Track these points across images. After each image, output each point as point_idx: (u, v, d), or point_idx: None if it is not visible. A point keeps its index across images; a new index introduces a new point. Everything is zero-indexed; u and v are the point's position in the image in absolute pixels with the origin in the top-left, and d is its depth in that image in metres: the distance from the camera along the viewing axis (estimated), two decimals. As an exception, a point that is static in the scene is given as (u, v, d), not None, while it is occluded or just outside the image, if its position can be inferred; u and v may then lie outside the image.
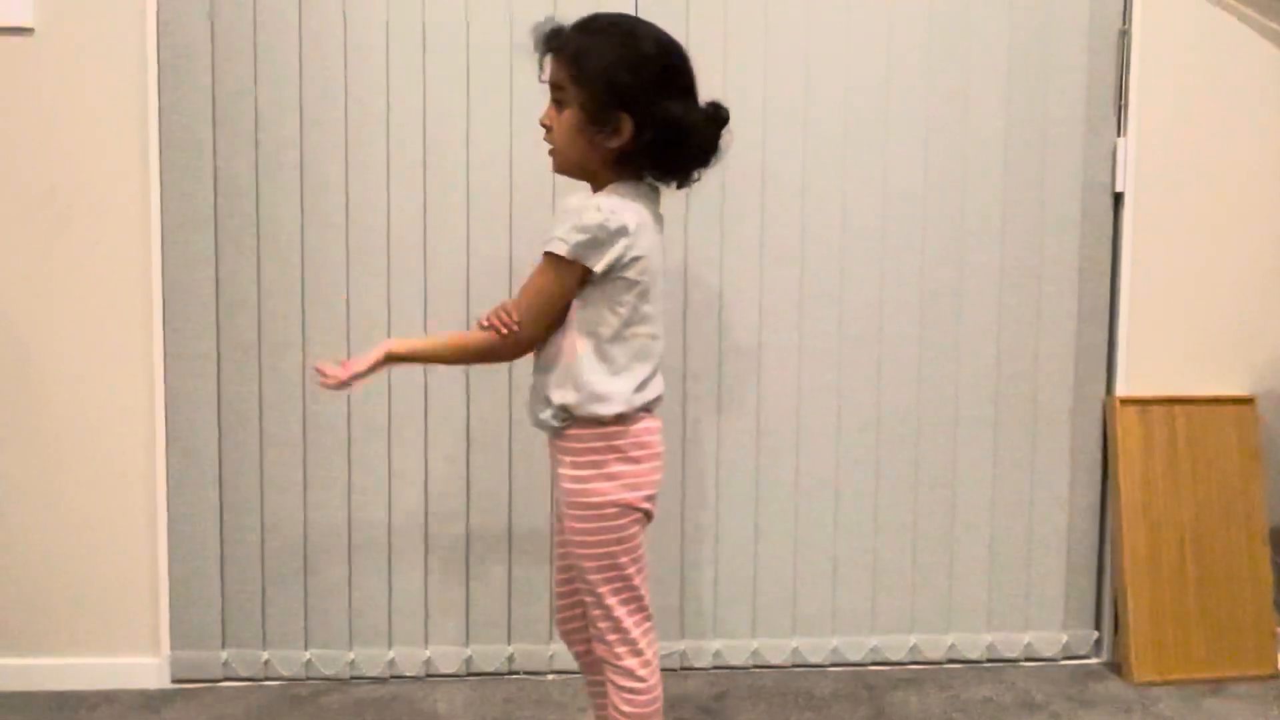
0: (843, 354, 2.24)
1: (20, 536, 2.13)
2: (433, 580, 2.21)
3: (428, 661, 2.21)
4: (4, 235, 2.09)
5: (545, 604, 2.21)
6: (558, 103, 1.48)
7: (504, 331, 1.47)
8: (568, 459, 1.50)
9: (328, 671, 2.19)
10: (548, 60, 1.49)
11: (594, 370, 1.45)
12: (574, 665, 2.16)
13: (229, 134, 2.10)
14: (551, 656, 2.22)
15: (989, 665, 2.30)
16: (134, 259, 2.10)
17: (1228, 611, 2.26)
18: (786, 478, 2.25)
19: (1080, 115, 2.24)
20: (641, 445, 1.50)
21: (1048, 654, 2.31)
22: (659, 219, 1.53)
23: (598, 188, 1.51)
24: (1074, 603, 2.33)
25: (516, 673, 2.23)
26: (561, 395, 1.47)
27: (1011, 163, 2.24)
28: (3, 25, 2.05)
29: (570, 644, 1.69)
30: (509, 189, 2.14)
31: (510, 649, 2.22)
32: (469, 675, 2.22)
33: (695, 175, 1.54)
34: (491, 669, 2.22)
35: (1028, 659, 2.32)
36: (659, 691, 1.53)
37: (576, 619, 1.63)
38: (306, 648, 2.19)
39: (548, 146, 1.53)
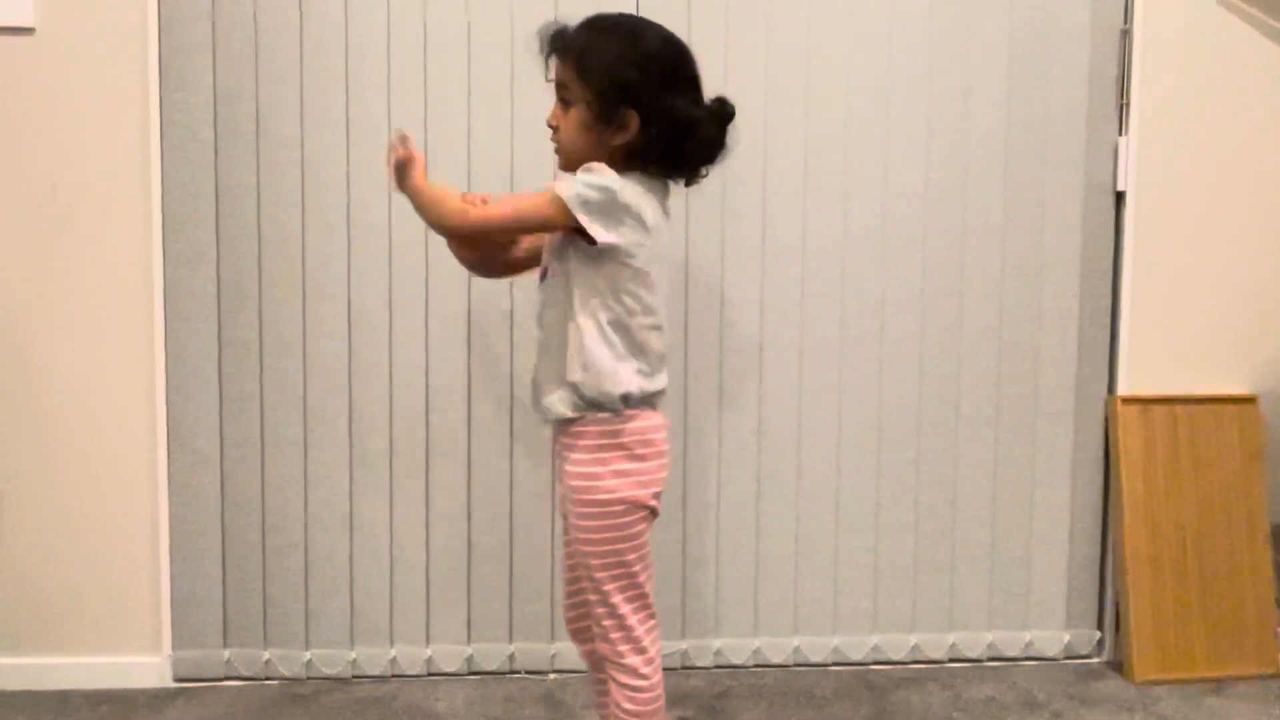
0: (844, 353, 2.24)
1: (22, 536, 2.13)
2: (434, 579, 2.21)
3: (429, 660, 2.21)
4: (5, 234, 2.09)
5: (546, 603, 2.22)
6: (564, 102, 1.49)
7: (470, 206, 1.48)
8: (574, 454, 1.50)
9: (329, 670, 2.19)
10: (552, 61, 1.50)
11: (599, 350, 1.46)
12: (576, 664, 2.18)
13: (230, 133, 2.10)
14: (553, 656, 2.22)
15: (990, 664, 2.30)
16: (135, 258, 2.11)
17: (1229, 611, 2.26)
18: (788, 477, 2.25)
19: (1082, 114, 2.24)
20: (647, 442, 1.50)
21: (1049, 653, 2.31)
22: (667, 213, 1.54)
23: None
24: (1075, 602, 2.33)
25: (518, 672, 2.23)
26: (570, 374, 1.47)
27: (1013, 161, 2.24)
28: (4, 25, 2.05)
29: (578, 642, 1.69)
30: (510, 187, 2.14)
31: (512, 648, 2.22)
32: (470, 674, 2.22)
33: (703, 172, 1.55)
34: (493, 668, 2.22)
35: (1029, 658, 2.32)
36: (661, 689, 1.53)
37: (585, 617, 1.63)
38: (308, 647, 2.19)
39: (554, 146, 1.53)
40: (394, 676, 2.21)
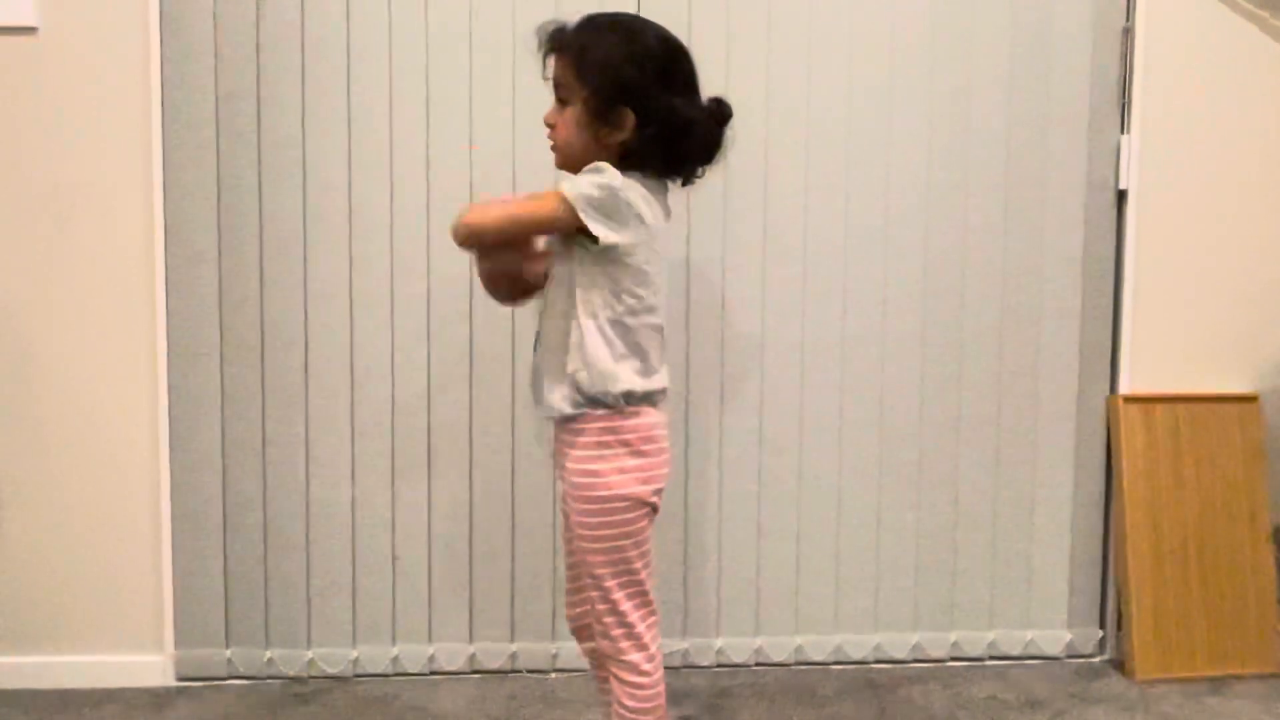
0: (845, 352, 2.24)
1: (24, 535, 2.14)
2: (436, 577, 2.21)
3: (431, 659, 2.21)
4: (7, 234, 2.09)
5: (549, 601, 2.22)
6: (561, 100, 1.50)
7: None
8: (575, 451, 1.50)
9: (331, 669, 2.19)
10: (550, 59, 1.51)
11: (599, 348, 1.46)
12: (578, 663, 2.18)
13: (232, 133, 2.10)
14: (555, 654, 2.23)
15: (992, 663, 2.30)
16: (137, 257, 2.11)
17: (1231, 609, 2.26)
18: (789, 475, 2.25)
19: (1083, 112, 2.24)
20: (649, 439, 1.50)
21: (1051, 651, 2.31)
22: (668, 211, 1.54)
23: None
24: (1077, 600, 2.33)
25: (520, 670, 2.23)
26: (571, 372, 1.47)
27: (1014, 160, 2.24)
28: (7, 25, 2.05)
29: (580, 640, 1.69)
30: (512, 187, 2.14)
31: (514, 647, 2.23)
32: (472, 673, 2.22)
33: (699, 172, 1.55)
34: (495, 666, 2.22)
35: (1031, 656, 2.32)
36: (663, 686, 1.53)
37: (587, 615, 1.63)
38: (310, 645, 2.19)
39: (551, 144, 1.53)
40: (396, 675, 2.21)
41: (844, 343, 2.24)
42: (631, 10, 2.10)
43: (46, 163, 2.09)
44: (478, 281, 2.10)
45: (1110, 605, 2.32)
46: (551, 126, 1.52)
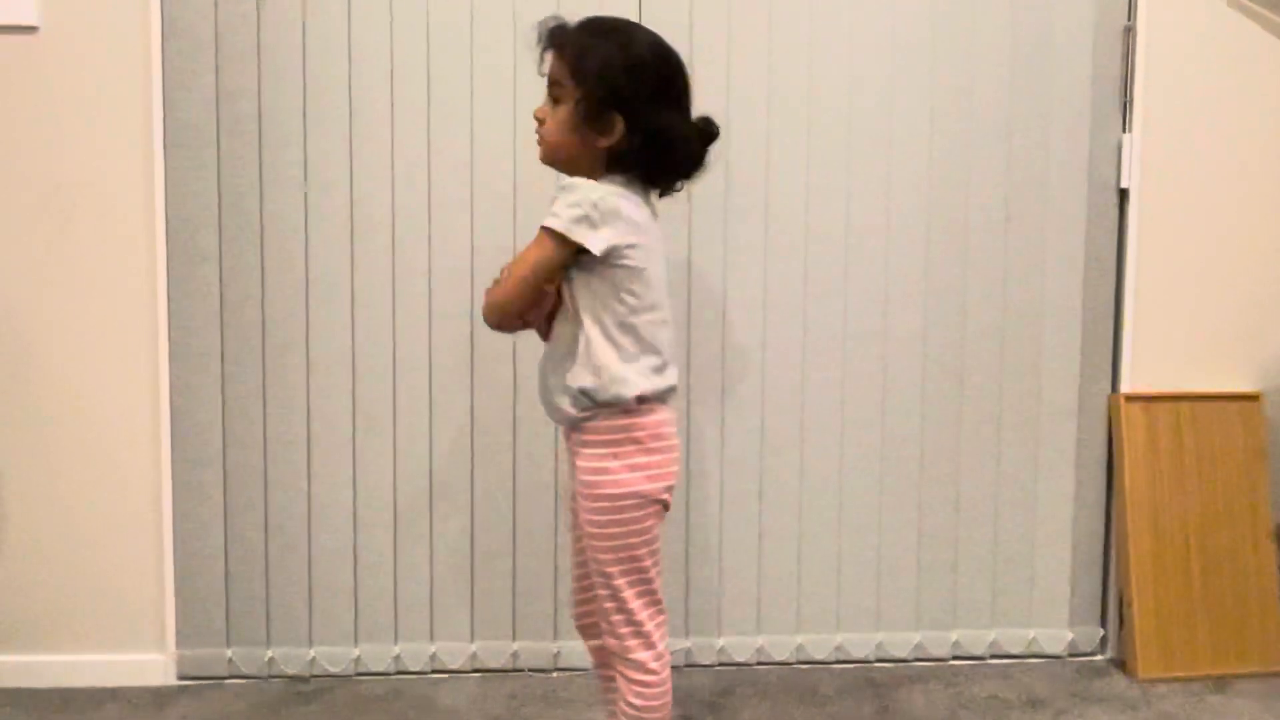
0: (846, 350, 2.24)
1: (26, 534, 2.14)
2: (438, 576, 2.21)
3: (433, 657, 2.21)
4: (9, 233, 2.09)
5: (551, 601, 2.22)
6: (554, 98, 1.51)
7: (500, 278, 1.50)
8: (587, 450, 1.50)
9: (333, 668, 2.19)
10: (548, 55, 1.51)
11: (608, 353, 1.47)
12: (579, 662, 2.18)
13: (233, 132, 2.10)
14: (557, 653, 2.23)
15: (993, 662, 2.30)
16: (138, 257, 2.11)
17: (1233, 608, 2.26)
18: (790, 474, 2.25)
19: (1085, 111, 2.24)
20: (659, 436, 1.51)
21: (1052, 650, 2.32)
22: (654, 213, 1.55)
23: None
24: (1078, 599, 2.33)
25: (521, 669, 2.23)
26: (582, 379, 1.48)
27: (1016, 159, 2.24)
28: (7, 24, 2.05)
29: (586, 638, 1.69)
30: (513, 186, 2.14)
31: (515, 646, 2.23)
32: (474, 671, 2.22)
33: (677, 186, 1.57)
34: (497, 665, 2.22)
35: (1032, 655, 2.32)
36: (670, 685, 1.54)
37: (593, 613, 1.63)
38: (312, 644, 2.20)
39: (538, 138, 1.54)
40: (397, 674, 2.21)
41: (845, 342, 2.24)
42: (633, 8, 2.10)
43: (47, 162, 2.09)
44: (479, 280, 2.14)
45: (1112, 604, 2.32)
46: (541, 121, 1.53)
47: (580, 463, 1.51)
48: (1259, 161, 2.29)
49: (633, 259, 1.46)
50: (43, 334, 2.11)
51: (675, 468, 1.54)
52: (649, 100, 1.47)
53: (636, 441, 1.49)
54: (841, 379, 2.24)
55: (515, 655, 2.23)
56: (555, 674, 2.23)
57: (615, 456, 1.48)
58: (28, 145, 2.08)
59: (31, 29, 2.06)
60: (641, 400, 1.48)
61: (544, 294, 1.54)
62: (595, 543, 1.50)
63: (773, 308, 2.22)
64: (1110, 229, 2.28)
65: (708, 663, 2.26)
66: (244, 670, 2.18)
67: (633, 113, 1.46)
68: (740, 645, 2.27)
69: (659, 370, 1.51)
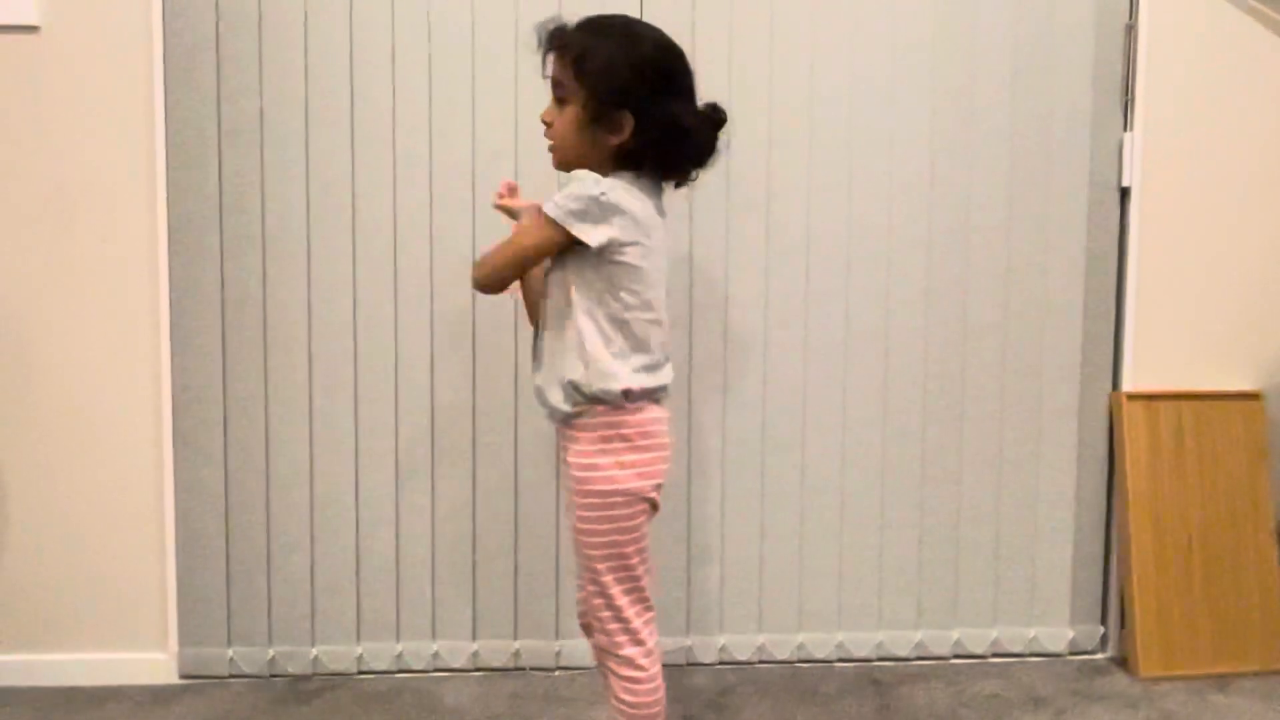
0: (848, 349, 2.24)
1: (29, 533, 2.14)
2: (439, 575, 2.21)
3: (435, 656, 2.21)
4: (10, 233, 2.10)
5: (552, 600, 2.22)
6: (559, 100, 1.51)
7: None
8: (577, 446, 1.52)
9: (335, 667, 2.20)
10: (550, 58, 1.52)
11: (598, 348, 1.48)
12: (581, 661, 2.19)
13: (234, 131, 2.10)
14: (558, 652, 2.23)
15: (995, 660, 2.30)
16: (140, 256, 2.11)
17: (1234, 606, 2.26)
18: (792, 473, 2.25)
19: (1086, 110, 2.24)
20: (649, 434, 1.51)
21: (1053, 649, 2.32)
22: (661, 211, 1.55)
23: None
24: (1080, 598, 2.33)
25: (523, 668, 2.24)
26: (572, 371, 1.49)
27: (1017, 158, 2.24)
28: (9, 23, 2.05)
29: (589, 634, 1.69)
30: (514, 185, 2.14)
31: (517, 644, 2.23)
32: (476, 670, 2.23)
33: (693, 175, 1.57)
34: (498, 664, 2.22)
35: (1033, 654, 2.32)
36: (660, 681, 1.55)
37: None
38: (313, 643, 2.20)
39: (548, 143, 1.55)
40: (399, 672, 2.21)
41: (847, 340, 2.24)
42: (635, 7, 2.10)
43: (49, 162, 2.09)
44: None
45: (1113, 602, 2.32)
46: (548, 124, 1.54)
47: (570, 459, 1.53)
48: (1260, 160, 2.29)
49: (631, 256, 1.47)
50: (44, 334, 2.12)
51: (665, 466, 1.54)
52: (656, 94, 1.48)
53: (626, 439, 1.50)
54: (843, 377, 2.24)
55: (517, 654, 2.23)
56: (557, 672, 2.23)
57: (604, 453, 1.49)
58: (29, 145, 2.08)
59: (33, 29, 2.06)
60: (629, 396, 1.49)
61: (533, 278, 1.58)
62: (583, 539, 1.52)
63: (774, 306, 2.22)
64: (1111, 228, 2.28)
65: (709, 661, 2.26)
66: (246, 669, 2.18)
67: (641, 108, 1.47)
68: (741, 644, 2.27)
69: (649, 369, 1.51)
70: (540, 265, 1.57)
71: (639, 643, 1.53)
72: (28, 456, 2.13)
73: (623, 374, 1.48)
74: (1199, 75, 2.26)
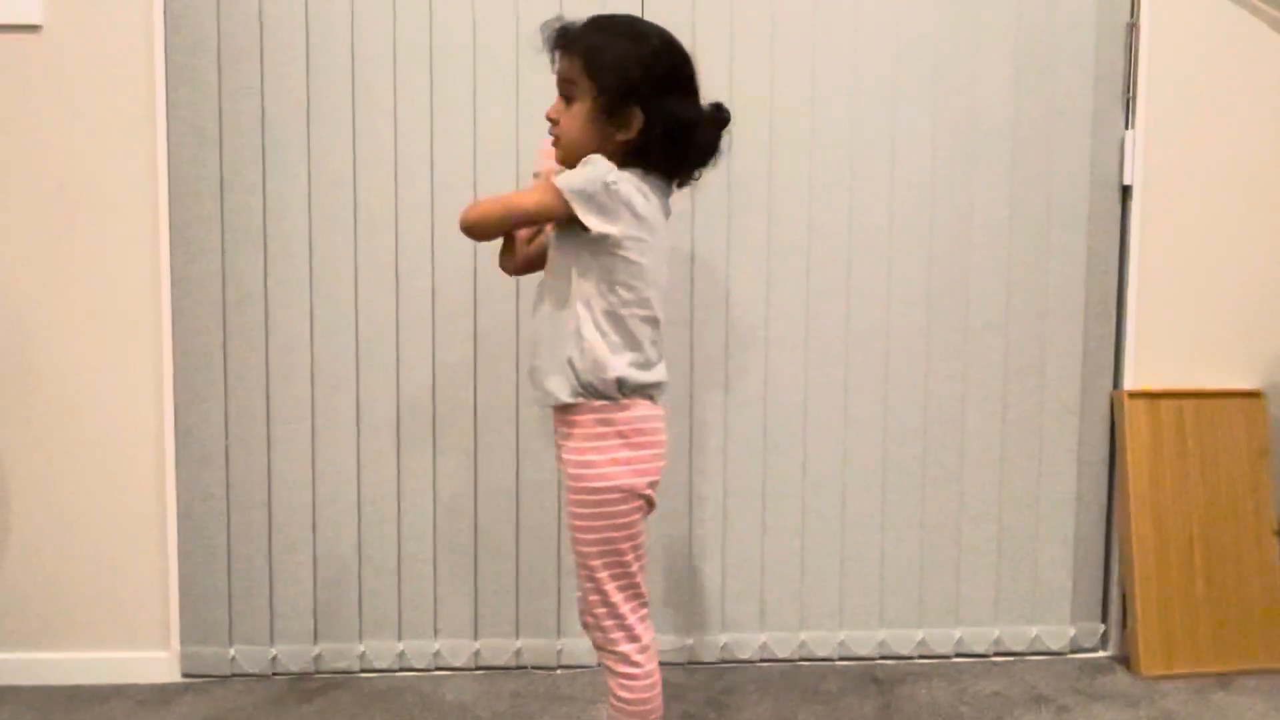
0: (850, 348, 2.24)
1: (31, 532, 2.14)
2: (441, 574, 2.21)
3: (436, 654, 2.22)
4: (12, 232, 2.10)
5: (554, 599, 2.22)
6: (566, 97, 1.52)
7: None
8: (571, 443, 1.52)
9: (337, 665, 2.20)
10: (557, 56, 1.52)
11: (595, 338, 1.49)
12: (582, 660, 2.19)
13: (236, 130, 2.11)
14: (560, 651, 2.23)
15: (996, 659, 2.30)
16: (142, 255, 2.11)
17: (1236, 605, 2.26)
18: (794, 472, 2.25)
19: (1088, 108, 2.24)
20: (642, 431, 1.52)
21: (1055, 647, 2.32)
22: (667, 210, 1.56)
23: None
24: (1081, 596, 2.33)
25: (525, 667, 2.24)
26: (567, 352, 1.50)
27: (1019, 156, 2.24)
28: (11, 23, 2.06)
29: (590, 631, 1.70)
30: (515, 184, 2.14)
31: (519, 643, 2.23)
32: (477, 669, 2.23)
33: (696, 174, 1.58)
34: (500, 663, 2.23)
35: (1035, 652, 2.32)
36: (657, 677, 1.55)
37: None
38: (315, 642, 2.20)
39: (554, 140, 1.55)
40: (401, 671, 2.21)
41: (848, 339, 2.24)
42: (636, 6, 2.10)
43: (51, 160, 2.09)
44: (482, 278, 2.14)
45: (1114, 601, 2.32)
46: (553, 121, 1.54)
47: (566, 455, 1.53)
48: (1262, 158, 2.29)
49: (631, 251, 1.47)
50: (46, 333, 2.12)
51: (659, 464, 1.55)
52: (664, 91, 1.49)
53: (621, 435, 1.50)
54: (844, 376, 2.24)
55: (518, 652, 2.23)
56: (559, 671, 2.23)
57: (599, 450, 1.50)
58: (31, 144, 2.09)
59: (35, 28, 2.06)
60: (623, 388, 1.49)
61: (519, 238, 1.63)
62: (578, 535, 1.52)
63: (775, 304, 2.22)
64: (1113, 226, 2.28)
65: (711, 660, 2.26)
66: (248, 668, 2.18)
67: (650, 104, 1.48)
68: (743, 642, 2.27)
69: (640, 366, 1.51)
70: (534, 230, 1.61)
71: (635, 639, 1.53)
72: (29, 456, 2.13)
73: (616, 364, 1.49)
74: (1200, 73, 2.25)
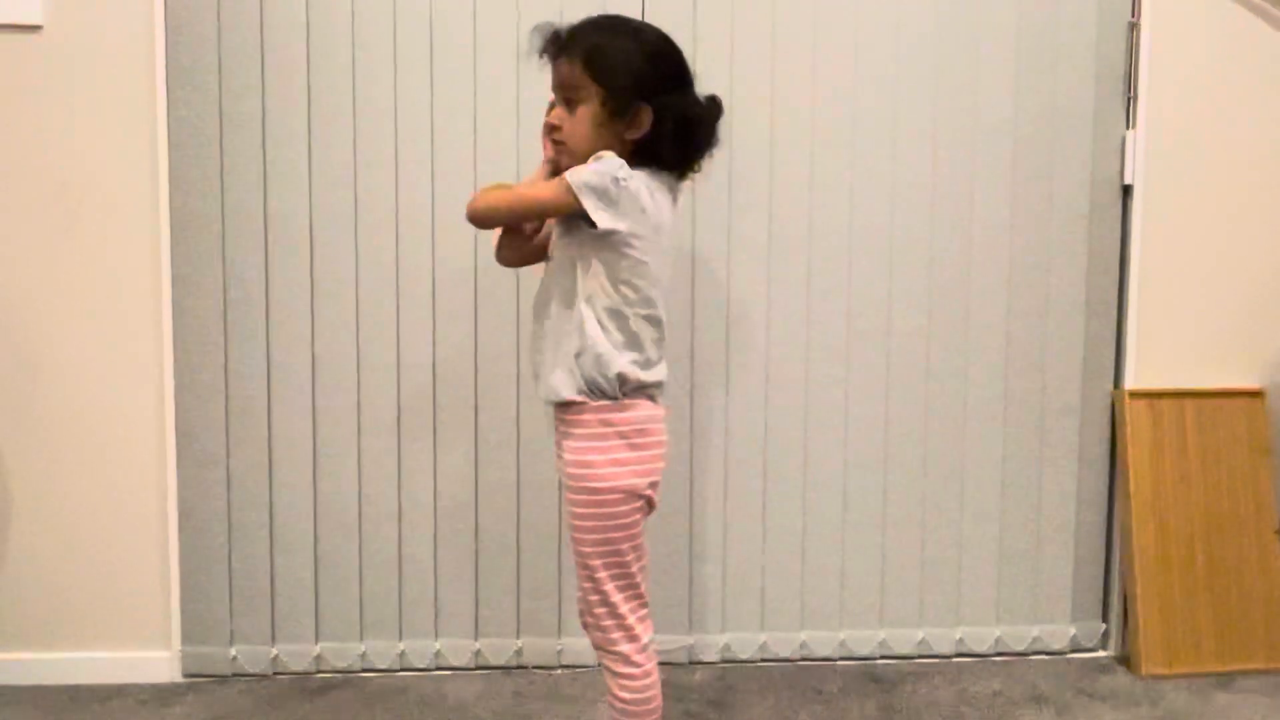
0: (851, 348, 2.24)
1: (32, 533, 2.14)
2: (442, 574, 2.21)
3: (438, 654, 2.22)
4: (14, 232, 2.10)
5: (554, 598, 2.22)
6: (569, 102, 1.51)
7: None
8: (572, 442, 1.52)
9: (337, 665, 2.20)
10: (554, 63, 1.52)
11: (597, 334, 1.49)
12: (583, 659, 2.19)
13: (237, 130, 2.11)
14: (560, 651, 2.23)
15: (997, 658, 2.30)
16: (143, 255, 2.11)
17: (1237, 604, 2.26)
18: (794, 471, 2.25)
19: (1089, 107, 2.24)
20: (644, 432, 1.52)
21: (1056, 647, 2.31)
22: (675, 212, 1.56)
23: None
24: (1082, 596, 2.33)
25: (525, 666, 2.24)
26: (570, 349, 1.50)
27: (1020, 155, 2.24)
28: (11, 23, 2.06)
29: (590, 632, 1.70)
30: (517, 182, 2.14)
31: (519, 643, 2.23)
32: (478, 669, 2.23)
33: (697, 167, 1.58)
34: (501, 662, 2.23)
35: (1036, 652, 2.32)
36: (656, 677, 1.55)
37: None
38: (316, 641, 2.20)
39: (558, 148, 1.55)
40: (402, 670, 2.21)
41: (849, 338, 2.24)
42: (636, 6, 2.10)
43: (52, 161, 2.09)
44: (484, 278, 2.14)
45: (1115, 600, 2.32)
46: (556, 128, 1.53)
47: (566, 455, 1.53)
48: (1263, 158, 2.28)
49: (637, 250, 1.47)
50: (48, 332, 2.12)
51: (660, 464, 1.55)
52: (671, 86, 1.50)
53: (622, 436, 1.50)
54: (845, 375, 2.24)
55: (519, 652, 2.23)
56: (559, 670, 2.23)
57: (599, 450, 1.50)
58: (32, 144, 2.09)
59: (35, 28, 2.06)
60: (624, 386, 1.49)
61: (522, 232, 1.62)
62: (577, 535, 1.52)
63: (776, 304, 2.22)
64: (1114, 225, 2.28)
65: (711, 659, 2.26)
66: (249, 667, 2.18)
67: (657, 100, 1.48)
68: (744, 642, 2.27)
69: (642, 365, 1.51)
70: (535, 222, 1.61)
71: (634, 639, 1.53)
72: (31, 455, 2.14)
73: (618, 360, 1.49)
74: (1202, 72, 2.25)
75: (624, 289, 1.48)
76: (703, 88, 1.56)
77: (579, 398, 1.50)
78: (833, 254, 2.22)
